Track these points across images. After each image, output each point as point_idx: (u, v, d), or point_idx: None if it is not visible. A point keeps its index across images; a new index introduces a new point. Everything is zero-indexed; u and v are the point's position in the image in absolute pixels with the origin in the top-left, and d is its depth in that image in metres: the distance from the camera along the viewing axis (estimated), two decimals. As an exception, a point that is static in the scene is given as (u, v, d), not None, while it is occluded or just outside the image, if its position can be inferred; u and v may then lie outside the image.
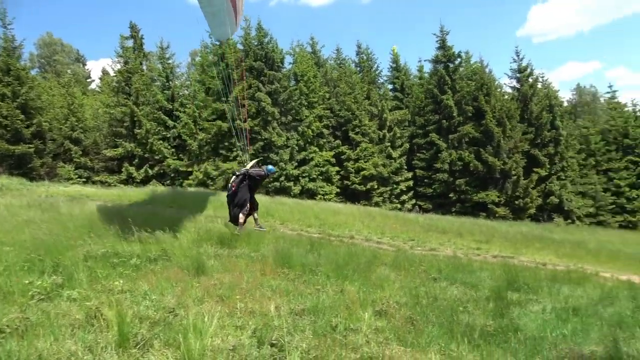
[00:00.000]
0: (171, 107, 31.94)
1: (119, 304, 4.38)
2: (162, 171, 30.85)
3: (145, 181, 29.77)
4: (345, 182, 31.91)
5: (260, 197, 23.30)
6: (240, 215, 9.81)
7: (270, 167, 10.72)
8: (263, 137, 29.76)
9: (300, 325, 4.60)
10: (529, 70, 35.81)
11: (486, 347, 4.54)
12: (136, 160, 30.64)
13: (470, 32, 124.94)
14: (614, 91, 43.36)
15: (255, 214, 10.43)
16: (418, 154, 34.93)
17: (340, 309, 5.26)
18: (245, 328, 4.38)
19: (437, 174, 33.13)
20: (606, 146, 37.81)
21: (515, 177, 31.72)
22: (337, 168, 31.91)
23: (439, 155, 33.35)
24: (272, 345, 3.97)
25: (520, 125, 33.46)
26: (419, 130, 35.39)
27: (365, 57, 39.46)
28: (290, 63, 33.73)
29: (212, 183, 28.60)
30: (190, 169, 29.95)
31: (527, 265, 10.54)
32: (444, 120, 33.92)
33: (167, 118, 31.47)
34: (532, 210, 32.35)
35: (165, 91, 32.51)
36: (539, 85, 36.38)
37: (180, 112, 31.29)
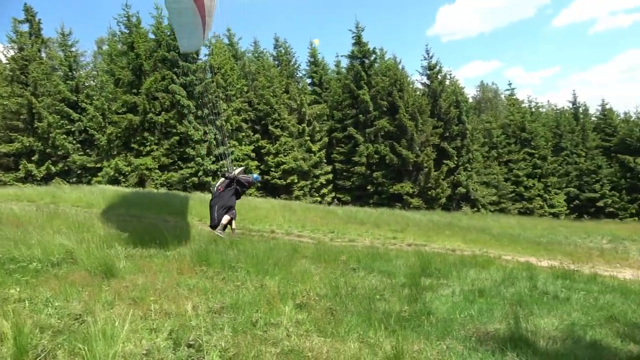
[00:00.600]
0: (76, 98, 29.65)
1: (15, 314, 3.98)
2: (66, 168, 28.63)
3: (47, 179, 27.42)
4: (266, 176, 31.72)
5: (178, 194, 22.53)
6: (226, 216, 9.73)
7: (255, 175, 10.80)
8: (179, 131, 28.68)
9: (219, 323, 4.49)
10: (438, 67, 37.84)
11: (401, 332, 4.73)
12: (36, 157, 28.12)
13: (384, 29, 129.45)
14: (513, 89, 47.16)
15: (233, 223, 10.25)
16: (337, 148, 35.62)
17: (260, 304, 5.21)
18: (161, 330, 4.18)
19: (356, 167, 34.01)
20: (506, 139, 41.07)
21: (427, 169, 33.45)
22: (256, 162, 31.63)
23: (357, 148, 34.25)
24: (189, 346, 3.83)
25: (431, 120, 35.29)
26: (337, 124, 36.06)
27: (283, 51, 39.31)
28: (205, 55, 32.79)
29: (124, 180, 27.08)
30: (99, 165, 28.10)
31: (438, 252, 11.17)
32: (361, 115, 34.85)
33: (71, 111, 29.19)
34: (443, 200, 34.35)
35: (68, 81, 30.08)
36: (447, 82, 38.60)
37: (86, 104, 29.16)
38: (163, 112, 28.74)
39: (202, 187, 28.27)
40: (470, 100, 50.02)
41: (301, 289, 6.01)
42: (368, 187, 33.93)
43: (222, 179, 10.03)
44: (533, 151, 40.46)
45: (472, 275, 8.00)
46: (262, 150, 32.02)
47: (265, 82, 33.07)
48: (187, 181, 28.42)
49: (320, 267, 7.90)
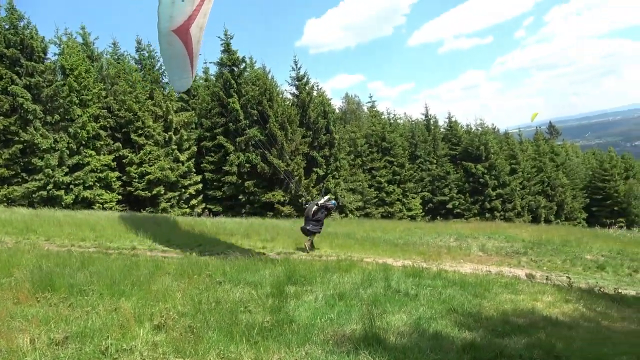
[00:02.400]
0: None
1: None
2: None
3: None
4: (128, 188, 29.61)
5: (20, 210, 19.93)
6: (315, 236, 14.13)
7: (333, 201, 14.51)
8: (22, 139, 25.38)
9: (61, 356, 4.07)
10: (306, 78, 39.05)
11: (263, 343, 4.77)
12: None
13: (253, 38, 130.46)
14: (374, 101, 50.92)
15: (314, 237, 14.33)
16: (207, 157, 34.72)
17: (112, 329, 4.85)
18: (-14, 373, 3.66)
19: (226, 177, 33.49)
20: (369, 148, 43.92)
21: (298, 177, 34.30)
22: (117, 173, 29.34)
23: (228, 157, 33.75)
24: (20, 387, 3.40)
25: (300, 130, 36.29)
26: (206, 133, 35.17)
27: (146, 54, 37.15)
28: (55, 54, 29.62)
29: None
30: None
31: (301, 259, 11.50)
32: (231, 123, 34.47)
33: None
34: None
35: None
36: (315, 93, 40.08)
37: None
38: (1, 117, 25.20)
39: (52, 201, 25.31)
40: (337, 110, 52.60)
41: (161, 309, 5.73)
42: (240, 197, 33.64)
43: (315, 207, 13.73)
44: (392, 159, 43.89)
45: (335, 279, 8.37)
46: (124, 160, 29.82)
47: (127, 87, 30.96)
48: (33, 196, 25.22)
49: (184, 282, 7.61)
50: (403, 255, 14.56)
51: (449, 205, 45.38)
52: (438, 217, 43.24)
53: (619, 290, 9.96)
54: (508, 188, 46.31)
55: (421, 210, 44.36)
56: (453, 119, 51.63)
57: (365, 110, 56.89)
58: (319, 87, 41.20)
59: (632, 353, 5.46)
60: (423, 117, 52.95)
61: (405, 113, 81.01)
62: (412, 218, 42.37)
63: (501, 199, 46.11)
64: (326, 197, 14.13)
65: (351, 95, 66.16)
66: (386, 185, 42.40)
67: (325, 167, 37.13)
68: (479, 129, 49.97)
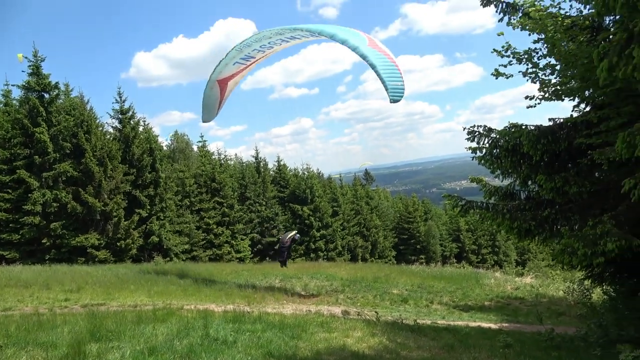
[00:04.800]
0: None
1: None
2: None
3: None
4: None
5: None
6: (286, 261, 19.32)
7: (297, 235, 19.34)
8: None
9: None
10: (131, 112, 36.69)
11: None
12: None
13: (73, 64, 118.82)
14: (204, 141, 50.29)
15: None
16: (2, 194, 29.49)
17: None
18: None
19: (27, 217, 28.82)
20: (198, 188, 42.78)
21: (117, 218, 31.44)
22: None
23: (30, 195, 29.21)
24: None
25: (122, 166, 33.67)
26: (3, 166, 29.99)
27: None
28: None
29: None
30: None
31: (116, 310, 10.36)
32: (37, 156, 30.16)
33: None
34: (134, 251, 32.72)
35: None
36: (141, 129, 37.85)
37: None
38: None
39: None
40: (165, 148, 50.44)
41: None
42: (43, 241, 29.17)
43: (287, 240, 18.27)
44: (222, 200, 43.40)
45: (147, 332, 7.69)
46: None
47: None
48: None
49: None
50: (227, 299, 14.19)
51: (277, 247, 46.35)
52: (267, 259, 43.76)
53: (418, 321, 11.23)
54: (330, 229, 49.68)
55: (250, 252, 44.39)
56: (282, 162, 53.89)
57: (196, 149, 55.63)
58: (146, 123, 39.21)
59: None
60: (253, 159, 54.02)
61: (236, 154, 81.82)
62: (241, 260, 42.04)
63: (324, 240, 49.13)
64: (294, 232, 18.54)
65: (181, 134, 64.09)
66: (215, 227, 41.52)
67: (149, 207, 34.87)
68: (306, 173, 53.14)
